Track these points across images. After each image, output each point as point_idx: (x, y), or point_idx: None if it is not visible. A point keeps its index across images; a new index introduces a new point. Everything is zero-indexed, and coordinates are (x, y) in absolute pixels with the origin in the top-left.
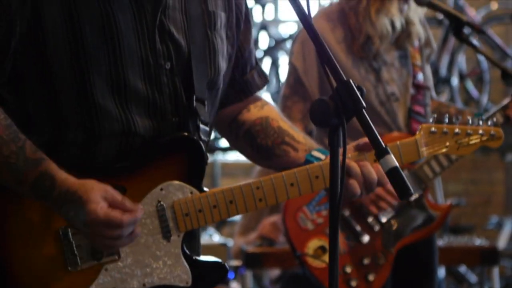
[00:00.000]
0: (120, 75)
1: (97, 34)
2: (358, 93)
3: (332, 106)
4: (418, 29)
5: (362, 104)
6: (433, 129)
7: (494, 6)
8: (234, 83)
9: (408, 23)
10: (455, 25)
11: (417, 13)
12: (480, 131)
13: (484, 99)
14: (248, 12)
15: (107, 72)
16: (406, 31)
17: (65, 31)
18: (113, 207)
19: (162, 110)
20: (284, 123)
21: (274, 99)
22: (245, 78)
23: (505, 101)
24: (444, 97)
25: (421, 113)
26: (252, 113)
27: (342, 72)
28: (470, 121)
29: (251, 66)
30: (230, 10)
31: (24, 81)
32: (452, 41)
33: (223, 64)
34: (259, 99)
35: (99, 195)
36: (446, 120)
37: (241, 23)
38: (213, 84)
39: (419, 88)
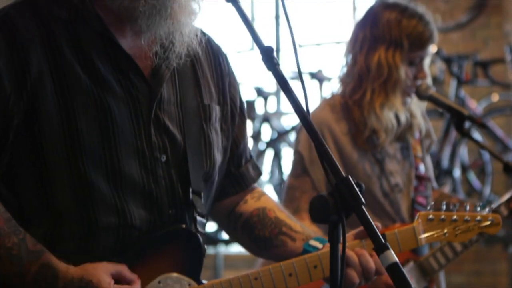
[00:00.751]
0: (116, 168)
1: (93, 126)
2: (357, 190)
3: (331, 202)
4: (420, 122)
5: (361, 200)
6: (430, 216)
7: (495, 98)
8: (230, 175)
9: (411, 116)
10: (457, 119)
11: (419, 106)
12: (478, 218)
13: (487, 191)
14: (242, 106)
15: (104, 165)
16: (409, 124)
17: (61, 123)
18: (120, 281)
19: (158, 202)
20: (281, 213)
21: (276, 191)
22: (240, 171)
23: (509, 193)
24: (446, 189)
25: (424, 204)
26: (249, 204)
27: (341, 168)
28: (468, 208)
29: (246, 159)
30: (225, 103)
31: (18, 175)
32: (454, 133)
33: (218, 157)
34: (255, 189)
35: (105, 274)
36: (444, 207)
37: (236, 116)
38: (209, 176)
39: (421, 179)
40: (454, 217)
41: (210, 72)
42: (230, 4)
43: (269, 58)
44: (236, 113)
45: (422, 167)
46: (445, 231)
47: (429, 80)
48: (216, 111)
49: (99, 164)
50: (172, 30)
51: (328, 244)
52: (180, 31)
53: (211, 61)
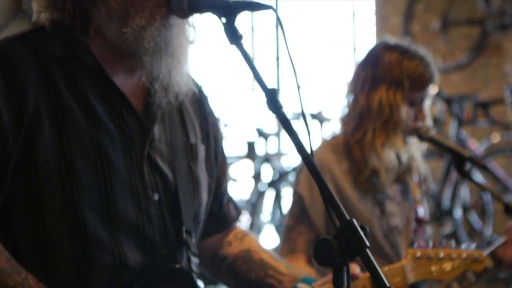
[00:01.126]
0: (111, 207)
1: (89, 165)
2: (362, 233)
3: (335, 245)
4: (419, 164)
5: (366, 243)
6: (418, 254)
7: (496, 138)
8: (213, 215)
9: (410, 158)
10: (457, 161)
11: (419, 148)
12: (464, 255)
13: (488, 232)
14: (223, 146)
15: (99, 204)
16: (408, 166)
17: (57, 161)
18: None
19: (151, 241)
20: (266, 255)
21: (278, 232)
22: (222, 210)
23: (493, 246)
24: (447, 230)
25: (423, 247)
26: (234, 246)
27: (345, 211)
28: (454, 246)
29: (227, 199)
30: (209, 142)
31: (13, 213)
32: (455, 173)
33: (205, 196)
34: (238, 229)
35: None
36: (431, 245)
37: (218, 156)
38: (197, 215)
39: (420, 222)
40: (441, 255)
41: (193, 111)
42: (233, 46)
43: (273, 100)
44: (219, 152)
45: (421, 210)
46: (433, 269)
47: (429, 121)
48: (201, 150)
49: (94, 204)
50: (171, 69)
51: (316, 284)
52: (179, 71)
53: (194, 100)
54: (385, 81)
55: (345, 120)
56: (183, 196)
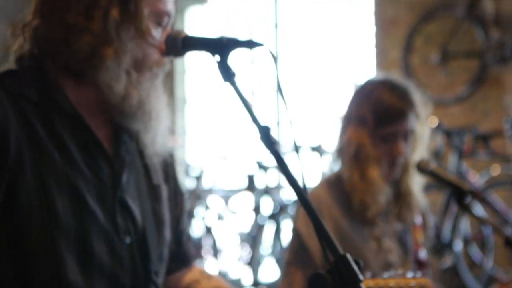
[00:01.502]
0: (88, 251)
1: (68, 209)
2: (356, 267)
3: (329, 280)
4: (418, 201)
5: (359, 277)
6: (371, 285)
7: (497, 171)
8: (173, 254)
9: (407, 193)
10: (457, 194)
11: (418, 183)
12: (412, 283)
13: (489, 264)
14: (180, 185)
15: (77, 248)
16: (406, 202)
17: (39, 203)
18: None
19: (123, 285)
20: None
21: (278, 264)
22: (183, 249)
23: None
24: (447, 262)
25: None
26: (183, 281)
27: (339, 246)
28: (408, 275)
29: (187, 237)
30: (168, 182)
31: None
32: (455, 206)
33: (168, 236)
34: (197, 268)
35: None
36: (385, 275)
37: (178, 194)
38: (162, 255)
39: (421, 265)
40: (391, 284)
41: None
42: (226, 83)
43: (267, 137)
44: (178, 191)
45: (423, 253)
46: None
47: (425, 153)
48: (164, 190)
49: (72, 247)
50: (150, 130)
51: None
52: (156, 134)
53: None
54: (355, 118)
55: (334, 157)
56: (151, 238)
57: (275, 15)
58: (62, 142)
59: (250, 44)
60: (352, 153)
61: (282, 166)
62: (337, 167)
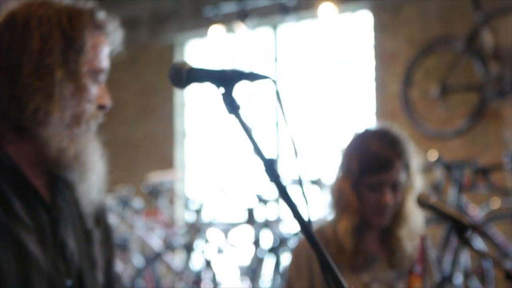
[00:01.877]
0: None
1: (10, 261)
2: None
3: None
4: (411, 250)
5: None
6: None
7: (496, 204)
8: None
9: (396, 242)
10: (457, 228)
11: (417, 225)
12: None
13: None
14: (111, 229)
15: None
16: (396, 250)
17: None
18: None
19: None
20: None
21: None
22: None
23: None
24: None
25: None
26: None
27: (344, 281)
28: None
29: (117, 278)
30: (99, 226)
31: None
32: (455, 239)
33: (101, 278)
34: None
35: None
36: None
37: (108, 239)
38: None
39: None
40: None
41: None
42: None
43: (271, 170)
44: (109, 235)
45: None
46: None
47: (428, 188)
48: (96, 234)
49: None
50: (85, 181)
51: None
52: (91, 184)
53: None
54: (342, 168)
55: (328, 205)
56: (87, 280)
57: (274, 49)
58: (2, 194)
59: (254, 76)
60: (337, 201)
61: (287, 200)
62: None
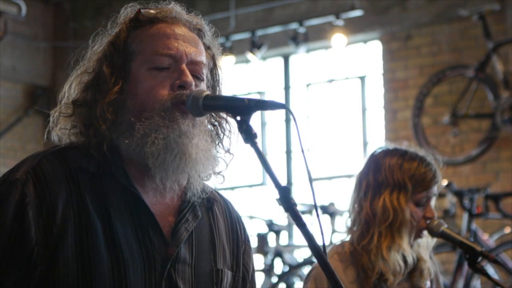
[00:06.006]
0: None
1: (107, 281)
2: None
3: None
4: (429, 266)
5: None
6: None
7: (507, 230)
8: None
9: (419, 259)
10: (469, 255)
11: (428, 249)
12: None
13: None
14: (254, 274)
15: None
16: (418, 268)
17: (76, 275)
18: None
19: None
20: None
21: None
22: None
23: None
24: None
25: None
26: None
27: None
28: None
29: None
30: (238, 270)
31: None
32: (467, 265)
33: None
34: None
35: None
36: None
37: (247, 283)
38: None
39: None
40: None
41: (226, 238)
42: (247, 144)
43: (286, 198)
44: (248, 280)
45: None
46: None
47: (439, 214)
48: (228, 276)
49: None
50: (184, 166)
51: None
52: (194, 168)
53: (228, 226)
54: (387, 185)
55: (351, 228)
56: None
57: (285, 78)
58: (110, 215)
59: (272, 105)
60: (390, 218)
61: (301, 227)
62: (348, 239)
